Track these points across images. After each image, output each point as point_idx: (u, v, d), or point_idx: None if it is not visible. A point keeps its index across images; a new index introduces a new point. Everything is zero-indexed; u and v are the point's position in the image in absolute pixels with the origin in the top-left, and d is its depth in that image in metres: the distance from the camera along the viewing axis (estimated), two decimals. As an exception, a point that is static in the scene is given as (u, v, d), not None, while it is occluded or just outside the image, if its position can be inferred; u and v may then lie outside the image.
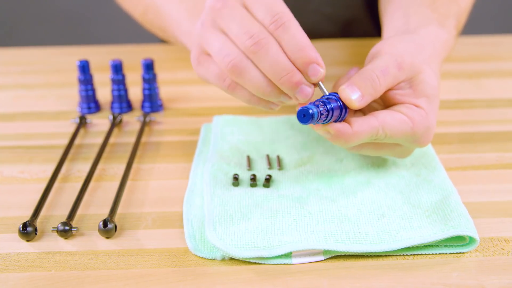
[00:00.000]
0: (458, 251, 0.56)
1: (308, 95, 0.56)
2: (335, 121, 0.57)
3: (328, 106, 0.56)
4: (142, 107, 0.84)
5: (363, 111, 0.63)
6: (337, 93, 0.58)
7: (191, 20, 0.73)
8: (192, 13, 0.74)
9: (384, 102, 0.63)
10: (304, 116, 0.54)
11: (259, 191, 0.63)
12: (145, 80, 0.83)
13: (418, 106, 0.61)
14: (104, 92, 0.88)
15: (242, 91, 0.60)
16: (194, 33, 0.62)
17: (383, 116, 0.59)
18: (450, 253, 0.56)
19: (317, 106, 0.55)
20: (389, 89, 0.62)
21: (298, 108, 0.55)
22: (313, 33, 1.09)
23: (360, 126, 0.58)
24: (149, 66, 0.82)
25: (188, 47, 0.71)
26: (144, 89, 0.83)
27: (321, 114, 0.55)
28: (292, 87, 0.56)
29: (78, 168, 0.70)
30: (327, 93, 0.58)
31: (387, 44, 0.64)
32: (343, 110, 0.57)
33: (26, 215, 0.61)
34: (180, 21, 0.76)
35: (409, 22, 0.72)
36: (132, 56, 0.98)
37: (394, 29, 0.73)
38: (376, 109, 0.64)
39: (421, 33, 0.69)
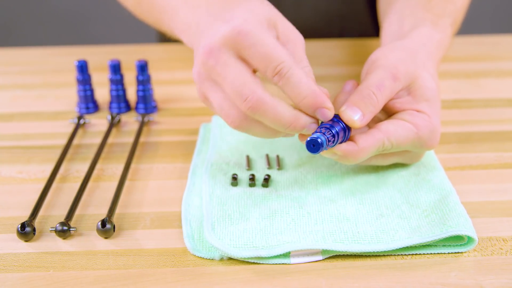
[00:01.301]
0: (456, 250, 0.56)
1: (314, 129, 0.57)
2: (340, 142, 0.58)
3: (333, 131, 0.57)
4: (136, 108, 0.84)
5: (368, 124, 0.64)
6: (337, 115, 0.59)
7: (189, 10, 0.68)
8: (190, 2, 0.70)
9: (386, 112, 0.64)
10: (314, 146, 0.55)
11: (258, 191, 0.63)
12: (139, 82, 0.82)
13: (420, 111, 0.61)
14: (102, 92, 0.88)
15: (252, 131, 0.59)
16: (194, 78, 0.59)
17: (386, 127, 0.60)
18: (448, 253, 0.56)
19: (324, 134, 0.56)
20: (389, 100, 0.62)
21: (306, 138, 0.56)
22: (311, 31, 1.09)
23: (366, 141, 0.58)
24: (143, 68, 0.82)
25: (185, 41, 0.68)
26: (138, 91, 0.83)
27: (329, 140, 0.56)
28: (298, 130, 0.57)
29: (76, 168, 0.70)
30: None
31: (380, 54, 0.65)
32: (347, 131, 0.58)
33: (25, 215, 0.61)
34: (176, 11, 0.72)
35: (403, 26, 0.73)
36: (130, 56, 0.98)
37: (389, 34, 0.74)
38: (379, 119, 0.64)
39: (413, 36, 0.69)
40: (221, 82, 0.56)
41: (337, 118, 0.58)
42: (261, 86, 0.55)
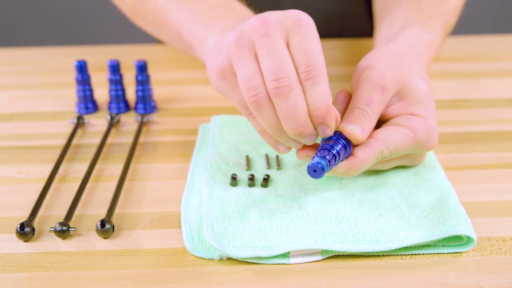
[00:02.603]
0: (456, 250, 0.56)
1: (313, 141, 0.57)
2: (342, 159, 0.59)
3: (333, 152, 0.57)
4: (136, 108, 0.84)
5: None
6: (337, 132, 0.59)
7: (201, 23, 0.70)
8: (200, 17, 0.71)
9: (382, 120, 0.64)
10: (315, 171, 0.56)
11: (257, 191, 0.63)
12: (138, 82, 0.82)
13: (415, 114, 0.62)
14: (101, 92, 0.88)
15: (257, 123, 0.60)
16: (225, 43, 0.59)
17: (383, 135, 0.60)
18: (448, 253, 0.56)
19: (324, 157, 0.56)
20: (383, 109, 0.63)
21: (303, 154, 0.57)
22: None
23: (364, 152, 0.59)
24: (142, 68, 0.82)
25: (197, 50, 0.69)
26: (137, 91, 0.83)
27: (330, 163, 0.56)
28: (300, 137, 0.56)
29: (75, 168, 0.70)
30: None
31: (367, 64, 0.65)
32: (348, 148, 0.59)
33: (24, 215, 0.61)
34: (188, 22, 0.73)
35: (392, 28, 0.74)
36: (130, 56, 0.98)
37: (380, 38, 0.75)
38: (375, 128, 0.64)
39: (400, 39, 0.70)
40: (262, 55, 0.55)
41: (336, 136, 0.58)
42: (296, 75, 0.55)
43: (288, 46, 0.56)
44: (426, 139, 0.61)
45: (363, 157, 0.59)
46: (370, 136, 0.60)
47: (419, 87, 0.63)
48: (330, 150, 0.57)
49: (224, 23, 0.67)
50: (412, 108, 0.62)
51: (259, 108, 0.56)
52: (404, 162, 0.65)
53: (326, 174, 0.59)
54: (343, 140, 0.58)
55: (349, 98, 0.64)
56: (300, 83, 0.55)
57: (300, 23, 0.55)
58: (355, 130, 0.59)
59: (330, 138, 0.58)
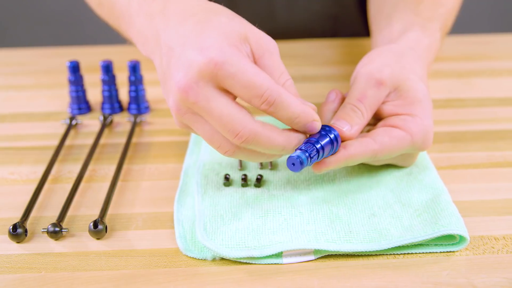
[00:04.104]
0: (448, 250, 0.56)
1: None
2: (328, 155, 0.58)
3: (317, 146, 0.56)
4: (129, 109, 0.84)
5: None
6: (325, 126, 0.58)
7: (145, 20, 0.62)
8: (145, 9, 0.62)
9: (379, 116, 0.64)
10: (294, 164, 0.54)
11: (250, 191, 0.63)
12: (131, 82, 0.82)
13: (412, 115, 0.61)
14: (94, 93, 0.88)
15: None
16: (171, 109, 0.55)
17: (381, 139, 0.60)
18: (440, 252, 0.56)
19: (305, 151, 0.55)
20: (381, 103, 0.63)
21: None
22: (304, 31, 1.09)
23: (357, 149, 0.59)
24: (135, 68, 0.82)
25: (143, 53, 0.63)
26: (130, 91, 0.83)
27: (311, 157, 0.55)
28: (291, 151, 0.56)
29: (68, 169, 0.70)
30: None
31: (367, 60, 0.65)
32: (335, 143, 0.58)
33: (16, 216, 0.61)
34: (132, 19, 0.65)
35: (392, 31, 0.73)
36: (123, 57, 0.98)
37: (379, 41, 0.75)
38: (370, 125, 0.64)
39: (400, 42, 0.70)
40: (207, 117, 0.53)
41: (324, 130, 0.58)
42: (249, 116, 0.53)
43: (225, 90, 0.53)
44: (422, 141, 0.61)
45: (355, 153, 0.59)
46: (368, 135, 0.60)
47: (417, 87, 0.63)
48: (314, 144, 0.56)
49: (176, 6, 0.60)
50: (409, 107, 0.62)
51: (238, 156, 0.56)
52: (395, 162, 0.65)
53: (314, 169, 0.58)
54: (331, 135, 0.58)
55: (340, 96, 0.64)
56: (265, 111, 0.54)
57: (218, 68, 0.51)
58: (342, 127, 0.59)
59: (318, 131, 0.57)
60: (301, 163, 0.54)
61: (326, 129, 0.58)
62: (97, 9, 0.84)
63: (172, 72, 0.54)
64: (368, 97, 0.61)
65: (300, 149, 0.55)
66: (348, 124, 0.59)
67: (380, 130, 0.61)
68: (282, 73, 0.57)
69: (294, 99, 0.54)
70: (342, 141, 0.59)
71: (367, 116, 0.61)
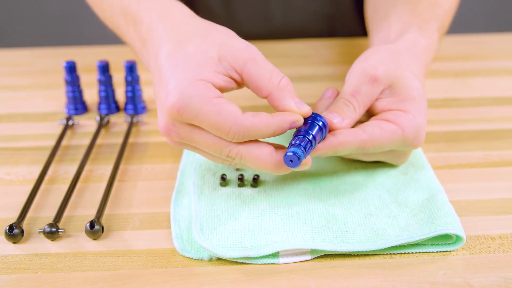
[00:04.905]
0: (444, 249, 0.56)
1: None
2: (318, 142, 0.58)
3: (309, 137, 0.56)
4: (125, 109, 0.84)
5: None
6: (312, 114, 0.58)
7: (139, 43, 0.65)
8: (139, 35, 0.65)
9: (372, 113, 0.64)
10: (292, 161, 0.55)
11: (247, 191, 0.63)
12: (128, 82, 0.82)
13: (405, 111, 0.61)
14: (91, 93, 0.88)
15: None
16: (166, 139, 0.59)
17: (371, 130, 0.60)
18: (436, 252, 0.56)
19: (299, 145, 0.55)
20: (375, 100, 0.63)
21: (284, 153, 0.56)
22: (300, 31, 1.09)
23: (346, 137, 0.59)
24: (131, 68, 0.81)
25: (140, 58, 0.66)
26: (127, 91, 0.83)
27: (306, 150, 0.55)
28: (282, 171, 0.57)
29: (65, 170, 0.70)
30: None
31: (361, 57, 0.65)
32: (324, 129, 0.58)
33: (13, 217, 0.61)
34: (128, 39, 0.69)
35: (390, 32, 0.73)
36: (119, 57, 0.98)
37: (377, 42, 0.74)
38: (362, 121, 0.64)
39: (398, 42, 0.70)
40: (197, 146, 0.57)
41: (311, 119, 0.57)
42: (228, 138, 0.55)
43: (200, 128, 0.56)
44: (414, 137, 0.61)
45: (343, 141, 0.58)
46: (359, 126, 0.60)
47: (412, 85, 0.62)
48: (306, 136, 0.56)
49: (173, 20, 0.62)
50: (403, 104, 0.62)
51: (234, 166, 0.59)
52: (387, 159, 0.65)
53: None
54: (319, 123, 0.57)
55: (336, 94, 0.64)
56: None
57: (181, 112, 0.54)
58: (333, 119, 0.59)
59: (305, 122, 0.57)
60: (299, 158, 0.54)
61: (312, 117, 0.57)
62: (95, 8, 0.84)
63: (156, 93, 0.58)
64: (362, 93, 0.61)
65: (294, 144, 0.55)
66: (339, 117, 0.60)
67: (371, 122, 0.61)
68: (272, 75, 0.57)
69: (262, 122, 0.54)
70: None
71: (360, 112, 0.61)
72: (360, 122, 0.64)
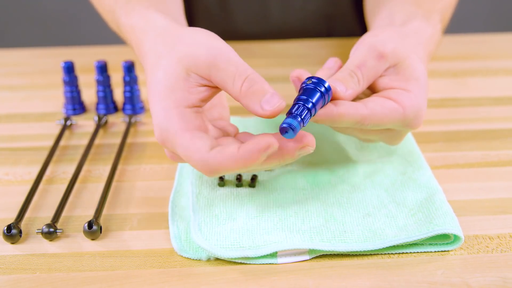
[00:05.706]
0: (443, 249, 0.56)
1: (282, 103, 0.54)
2: (322, 106, 0.55)
3: (309, 106, 0.53)
4: (123, 109, 0.84)
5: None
6: (316, 79, 0.55)
7: (158, 43, 0.62)
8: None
9: (374, 90, 0.63)
10: (287, 132, 0.51)
11: (245, 191, 0.63)
12: (126, 83, 0.82)
13: (407, 90, 0.60)
14: (89, 93, 0.88)
15: None
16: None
17: (372, 106, 0.58)
18: (435, 251, 0.56)
19: (297, 115, 0.52)
20: (378, 77, 0.62)
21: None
22: (299, 31, 1.09)
23: (346, 109, 0.57)
24: (129, 68, 0.81)
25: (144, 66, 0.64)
26: (125, 91, 0.83)
27: (303, 119, 0.52)
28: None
29: (63, 170, 0.70)
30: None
31: (370, 34, 0.64)
32: (326, 96, 0.55)
33: (11, 217, 0.61)
34: (146, 40, 0.65)
35: (393, 21, 0.72)
36: (117, 57, 0.98)
37: (379, 24, 0.73)
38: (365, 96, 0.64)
39: (404, 27, 0.69)
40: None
41: (314, 83, 0.55)
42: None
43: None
44: (414, 117, 0.60)
45: (344, 112, 0.56)
46: (361, 101, 0.59)
47: (417, 66, 0.62)
48: (305, 104, 0.53)
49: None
50: (406, 83, 0.61)
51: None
52: (382, 138, 0.64)
53: None
54: (321, 88, 0.55)
55: (339, 65, 0.63)
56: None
57: (163, 144, 0.55)
58: (337, 87, 0.57)
59: (307, 87, 0.55)
60: (293, 129, 0.51)
61: (314, 81, 0.55)
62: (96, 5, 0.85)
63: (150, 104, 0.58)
64: (367, 67, 0.60)
65: (291, 114, 0.52)
66: (343, 86, 0.58)
67: (372, 98, 0.60)
68: (234, 80, 0.54)
69: (227, 156, 0.51)
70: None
71: (363, 85, 0.60)
72: (358, 98, 0.63)
